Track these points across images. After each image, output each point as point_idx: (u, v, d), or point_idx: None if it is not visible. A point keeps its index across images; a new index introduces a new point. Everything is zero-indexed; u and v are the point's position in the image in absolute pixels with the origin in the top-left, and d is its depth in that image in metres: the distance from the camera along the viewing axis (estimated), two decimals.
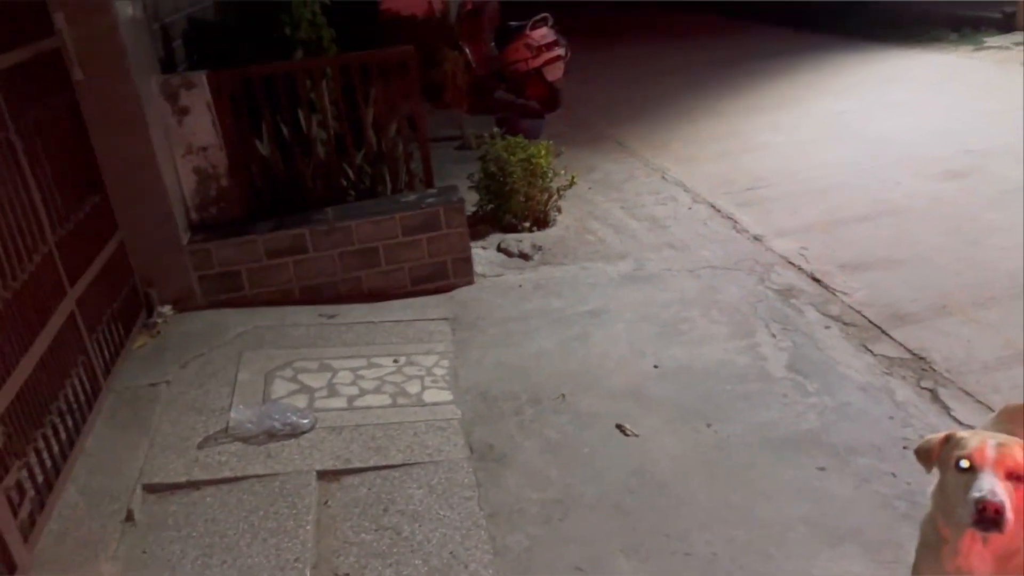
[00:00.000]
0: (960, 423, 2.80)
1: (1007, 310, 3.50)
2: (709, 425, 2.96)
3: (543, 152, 4.75)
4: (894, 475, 2.59)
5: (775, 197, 5.20)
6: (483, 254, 4.55)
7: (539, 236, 4.81)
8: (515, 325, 3.83)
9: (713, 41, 11.13)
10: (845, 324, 3.61)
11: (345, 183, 4.40)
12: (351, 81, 4.26)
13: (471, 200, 4.86)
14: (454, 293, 4.19)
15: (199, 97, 3.90)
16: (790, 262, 4.26)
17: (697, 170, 5.90)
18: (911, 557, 2.20)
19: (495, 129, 4.94)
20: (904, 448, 2.71)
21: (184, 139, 3.93)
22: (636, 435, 2.93)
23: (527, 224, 4.88)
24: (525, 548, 2.45)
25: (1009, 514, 1.36)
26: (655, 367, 3.36)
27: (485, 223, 4.91)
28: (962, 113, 6.45)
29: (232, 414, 2.94)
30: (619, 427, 2.98)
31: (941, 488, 1.54)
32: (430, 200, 4.22)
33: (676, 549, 2.40)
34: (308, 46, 4.49)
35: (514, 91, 7.48)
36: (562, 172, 4.96)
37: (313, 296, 4.09)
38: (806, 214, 4.86)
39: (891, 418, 2.91)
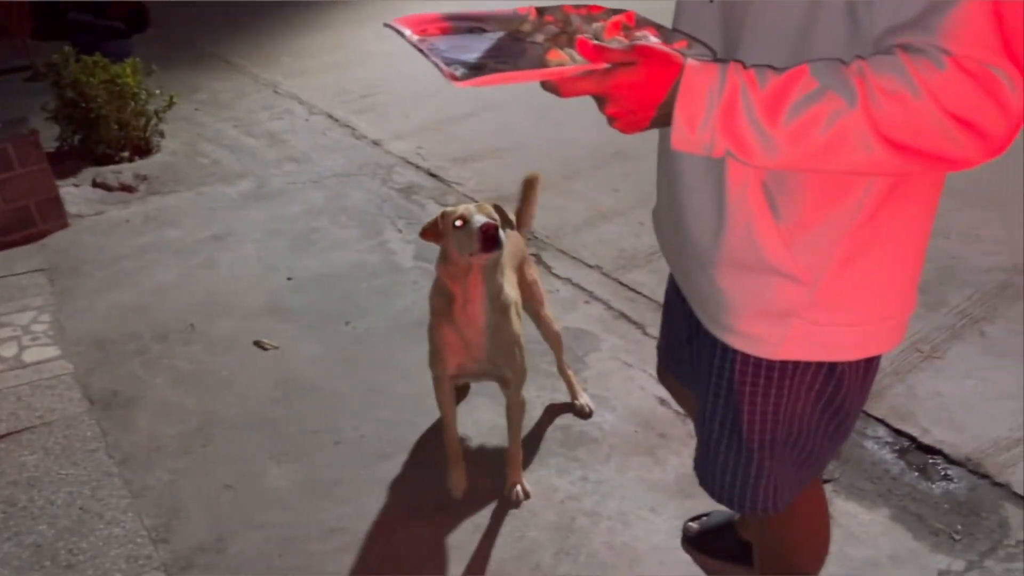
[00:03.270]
0: (559, 277, 3.22)
1: (589, 179, 4.04)
2: (348, 323, 3.01)
3: (129, 71, 4.24)
4: None
5: (389, 103, 5.31)
6: (76, 192, 4.01)
7: (142, 165, 4.36)
8: (128, 263, 3.47)
9: None
10: None
11: None
12: None
13: (51, 134, 4.22)
14: (47, 240, 3.66)
15: None
16: (409, 162, 4.42)
17: (311, 82, 5.79)
18: (530, 393, 2.53)
19: (66, 48, 4.26)
20: None
21: None
22: (276, 347, 2.88)
23: (125, 154, 4.38)
24: (167, 483, 2.31)
25: (501, 234, 1.79)
26: (288, 279, 3.31)
27: (74, 158, 4.30)
28: None
29: None
30: (257, 343, 2.90)
31: (445, 254, 1.92)
32: None
33: (325, 442, 2.44)
34: None
35: (93, 10, 6.52)
36: (157, 92, 4.50)
37: None
38: (418, 116, 5.04)
39: None
